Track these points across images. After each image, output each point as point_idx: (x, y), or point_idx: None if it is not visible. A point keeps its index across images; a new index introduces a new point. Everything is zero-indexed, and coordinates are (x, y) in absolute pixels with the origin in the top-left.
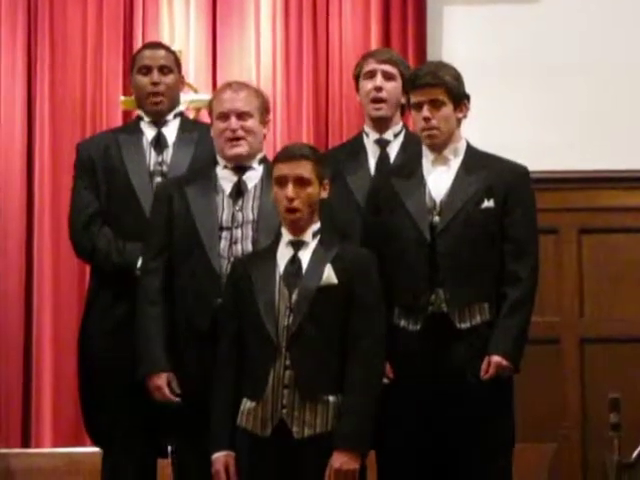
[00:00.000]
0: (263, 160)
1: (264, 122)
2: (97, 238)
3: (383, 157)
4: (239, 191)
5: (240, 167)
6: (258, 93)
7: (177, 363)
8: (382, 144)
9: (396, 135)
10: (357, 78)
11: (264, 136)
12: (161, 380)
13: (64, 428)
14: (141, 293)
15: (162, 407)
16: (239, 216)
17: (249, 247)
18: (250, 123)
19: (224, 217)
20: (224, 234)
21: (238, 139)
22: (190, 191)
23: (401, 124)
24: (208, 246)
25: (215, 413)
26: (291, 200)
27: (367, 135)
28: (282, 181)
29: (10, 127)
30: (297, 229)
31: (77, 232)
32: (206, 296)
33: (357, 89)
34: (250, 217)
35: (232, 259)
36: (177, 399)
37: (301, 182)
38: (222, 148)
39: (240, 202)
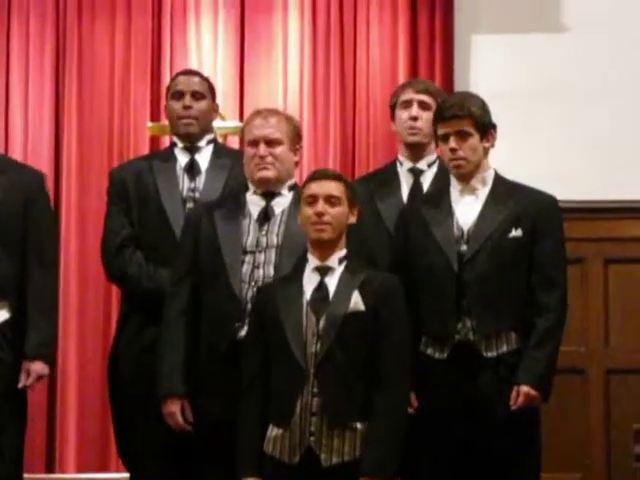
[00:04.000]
0: (293, 187)
1: (294, 149)
2: (129, 263)
3: (416, 186)
4: (266, 216)
5: (270, 193)
6: (289, 120)
7: (198, 385)
8: (416, 173)
9: (430, 165)
10: (393, 107)
11: (296, 163)
12: (175, 406)
13: (88, 454)
14: (163, 316)
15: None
16: (263, 241)
17: (271, 272)
18: (279, 150)
19: (249, 241)
20: (247, 258)
21: (266, 164)
22: (218, 215)
23: (435, 155)
24: (230, 270)
25: (241, 439)
26: (320, 215)
27: (401, 164)
28: (312, 199)
29: (38, 153)
30: (324, 250)
31: (109, 256)
32: (226, 319)
33: (392, 118)
34: (274, 242)
35: (253, 283)
36: (189, 427)
37: (331, 200)
38: (251, 173)
39: (266, 227)
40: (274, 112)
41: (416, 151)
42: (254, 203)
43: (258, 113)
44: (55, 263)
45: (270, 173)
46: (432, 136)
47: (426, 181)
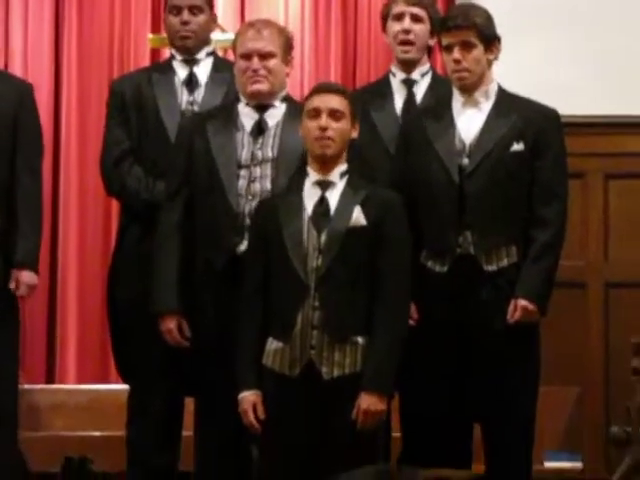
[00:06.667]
0: (286, 99)
1: (287, 61)
2: (127, 176)
3: (410, 97)
4: (260, 129)
5: (262, 105)
6: (281, 31)
7: (194, 302)
8: (409, 84)
9: (423, 75)
10: (385, 18)
11: (287, 74)
12: (172, 323)
13: (88, 365)
14: (158, 232)
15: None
16: (259, 154)
17: (267, 186)
18: (272, 63)
19: (243, 155)
20: (242, 172)
21: (259, 77)
22: (210, 128)
23: (428, 65)
24: (226, 184)
25: (241, 353)
26: (324, 129)
27: (394, 75)
28: (315, 113)
29: (38, 65)
30: (326, 164)
31: (108, 169)
32: (223, 234)
33: (384, 29)
34: (270, 155)
35: (250, 197)
36: (187, 343)
37: (335, 115)
38: (244, 85)
39: (260, 140)
40: (267, 24)
41: (409, 65)
42: (247, 115)
43: (250, 25)
44: (41, 171)
45: (263, 86)
46: (425, 49)
47: (419, 92)
